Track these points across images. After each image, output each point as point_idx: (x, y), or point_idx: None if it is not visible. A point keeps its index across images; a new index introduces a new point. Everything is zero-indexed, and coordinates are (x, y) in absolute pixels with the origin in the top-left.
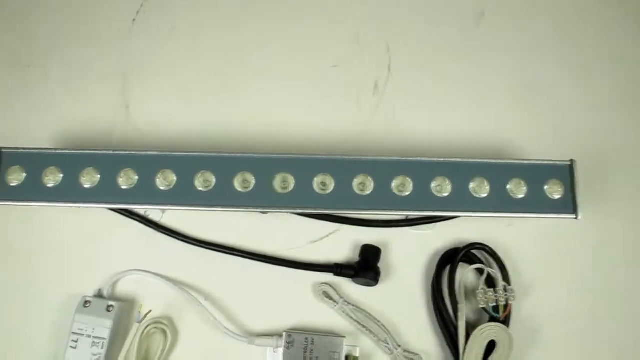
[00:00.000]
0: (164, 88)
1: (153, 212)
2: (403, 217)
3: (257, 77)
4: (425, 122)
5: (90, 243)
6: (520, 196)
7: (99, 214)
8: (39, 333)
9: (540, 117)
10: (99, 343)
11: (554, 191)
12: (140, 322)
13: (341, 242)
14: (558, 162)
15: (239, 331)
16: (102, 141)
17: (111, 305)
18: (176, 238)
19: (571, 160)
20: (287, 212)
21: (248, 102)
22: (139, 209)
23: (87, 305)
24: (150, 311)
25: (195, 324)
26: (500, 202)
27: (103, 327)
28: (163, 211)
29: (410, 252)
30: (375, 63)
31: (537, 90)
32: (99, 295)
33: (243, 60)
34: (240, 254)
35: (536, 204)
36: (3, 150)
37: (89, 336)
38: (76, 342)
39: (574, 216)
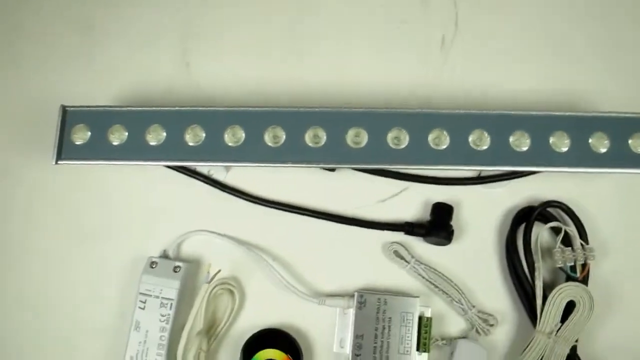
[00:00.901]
0: (224, 45)
1: (217, 171)
2: (474, 175)
3: (323, 33)
4: (495, 76)
5: (154, 204)
6: (603, 150)
7: (162, 174)
8: (105, 294)
9: (620, 66)
10: (167, 304)
11: (639, 145)
12: (209, 282)
13: (411, 201)
14: None
15: (309, 291)
16: (163, 100)
17: (178, 266)
18: (242, 197)
19: None
20: (358, 167)
21: (314, 59)
22: (207, 166)
23: (154, 267)
24: (219, 271)
25: (263, 285)
26: (581, 157)
27: (171, 287)
28: (227, 170)
29: (483, 210)
30: (442, 18)
31: (616, 38)
32: (165, 256)
33: (309, 16)
34: (308, 213)
35: (620, 158)
36: (68, 108)
37: (156, 297)
38: (144, 302)
39: None
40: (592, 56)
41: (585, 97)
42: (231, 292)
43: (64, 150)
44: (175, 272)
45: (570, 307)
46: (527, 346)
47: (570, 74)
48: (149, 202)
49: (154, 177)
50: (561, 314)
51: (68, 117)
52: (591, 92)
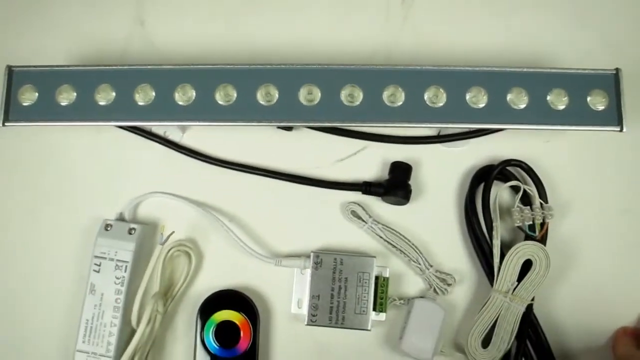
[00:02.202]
0: (180, 2)
1: (173, 133)
2: (434, 134)
3: None
4: (458, 32)
5: (110, 166)
6: (561, 107)
7: (117, 136)
8: (61, 258)
9: (582, 22)
10: (122, 266)
11: (598, 102)
12: (162, 244)
13: (369, 161)
14: (602, 71)
15: (266, 253)
16: (118, 60)
17: (133, 228)
18: (198, 158)
19: (616, 69)
20: (313, 125)
21: (271, 16)
22: (158, 125)
23: (109, 229)
24: (173, 232)
25: (220, 246)
26: (539, 114)
27: (125, 250)
28: (183, 131)
29: (442, 169)
30: None
31: None
32: (121, 218)
33: None
34: (266, 173)
35: (578, 115)
36: (14, 69)
37: (111, 259)
38: (99, 265)
39: (619, 128)
40: (556, 9)
41: (548, 51)
42: (188, 254)
43: (11, 111)
44: (130, 234)
45: (527, 266)
46: (484, 305)
47: (533, 27)
48: (105, 164)
49: (110, 138)
50: (518, 272)
51: (14, 78)
52: (555, 45)
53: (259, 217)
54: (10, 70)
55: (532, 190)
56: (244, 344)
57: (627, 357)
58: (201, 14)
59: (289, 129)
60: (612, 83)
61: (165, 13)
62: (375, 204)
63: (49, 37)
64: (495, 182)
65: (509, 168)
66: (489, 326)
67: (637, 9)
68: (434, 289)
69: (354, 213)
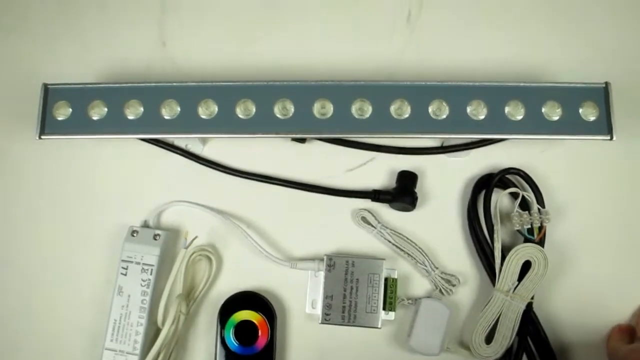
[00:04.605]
0: (199, 23)
1: (194, 145)
2: (438, 145)
3: (292, 8)
4: (459, 49)
5: (136, 177)
6: (555, 118)
7: (142, 149)
8: (91, 262)
9: (575, 36)
10: (147, 269)
11: (589, 113)
12: (186, 247)
13: (377, 170)
14: (593, 85)
15: (282, 256)
16: (141, 78)
17: (158, 234)
18: (218, 169)
19: (606, 83)
20: (324, 137)
21: (283, 34)
22: (183, 138)
23: (135, 235)
24: (196, 237)
25: (239, 251)
26: (535, 125)
27: (151, 254)
28: (204, 143)
29: (445, 178)
30: None
31: (573, 12)
32: (146, 225)
33: None
34: (281, 183)
35: (571, 126)
36: (49, 86)
37: (138, 263)
38: (126, 269)
39: (609, 137)
40: (552, 25)
41: (544, 65)
42: (209, 258)
43: (47, 125)
44: (155, 239)
45: (527, 267)
46: (487, 304)
47: (530, 42)
48: (131, 176)
49: (135, 151)
50: (518, 273)
51: (50, 94)
52: (550, 59)
53: (275, 223)
54: (46, 88)
55: (530, 196)
56: (261, 341)
57: (615, 349)
58: (219, 35)
59: (302, 141)
60: (602, 95)
61: (185, 34)
62: (383, 210)
63: (79, 58)
64: (495, 189)
65: (508, 176)
66: (492, 323)
67: (625, 20)
68: (440, 290)
69: (364, 219)
